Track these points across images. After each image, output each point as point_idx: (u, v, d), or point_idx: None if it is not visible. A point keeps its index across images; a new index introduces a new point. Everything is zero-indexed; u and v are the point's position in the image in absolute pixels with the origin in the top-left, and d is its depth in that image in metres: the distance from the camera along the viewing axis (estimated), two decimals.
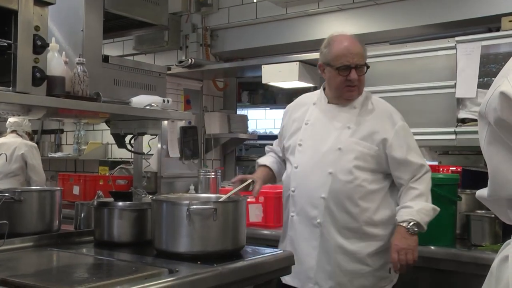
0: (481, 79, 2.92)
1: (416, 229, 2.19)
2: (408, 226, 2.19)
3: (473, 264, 2.40)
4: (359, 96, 2.38)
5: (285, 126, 2.51)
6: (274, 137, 2.96)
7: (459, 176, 2.77)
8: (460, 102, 2.94)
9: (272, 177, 2.53)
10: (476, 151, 3.02)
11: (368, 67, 2.35)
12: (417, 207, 2.21)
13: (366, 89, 3.25)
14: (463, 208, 2.73)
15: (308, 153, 2.35)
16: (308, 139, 2.38)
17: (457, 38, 2.95)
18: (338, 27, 4.00)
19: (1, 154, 3.36)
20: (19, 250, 2.12)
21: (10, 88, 1.87)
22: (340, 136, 2.32)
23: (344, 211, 2.26)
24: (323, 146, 2.33)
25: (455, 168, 3.92)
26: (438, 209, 2.25)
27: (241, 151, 5.83)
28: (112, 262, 2.03)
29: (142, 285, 1.58)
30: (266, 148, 2.66)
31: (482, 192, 1.50)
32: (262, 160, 2.57)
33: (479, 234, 2.58)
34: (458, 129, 2.89)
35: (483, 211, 2.62)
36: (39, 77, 1.93)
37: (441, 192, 2.55)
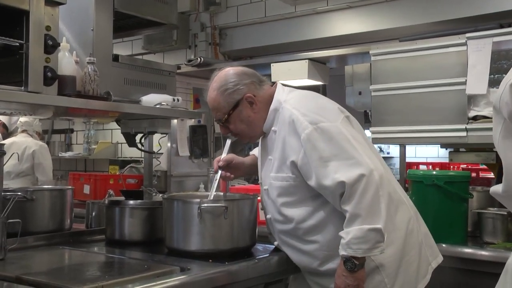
0: (492, 76, 2.90)
1: (354, 265, 1.79)
2: (345, 263, 1.81)
3: (485, 262, 2.39)
4: (264, 134, 2.05)
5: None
6: None
7: (470, 174, 2.76)
8: (471, 99, 2.92)
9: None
10: (487, 148, 3.00)
11: (228, 116, 1.99)
12: (348, 237, 1.78)
13: (374, 87, 3.28)
14: (475, 206, 2.71)
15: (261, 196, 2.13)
16: (259, 178, 2.14)
17: (467, 35, 2.93)
18: (347, 25, 4.01)
19: (13, 153, 3.37)
20: (32, 249, 2.14)
21: (22, 87, 1.89)
22: (266, 173, 2.04)
23: (300, 253, 1.99)
24: (262, 188, 2.09)
25: (465, 165, 3.91)
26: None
27: (250, 150, 5.82)
28: (124, 261, 2.04)
29: (154, 283, 1.59)
30: None
31: (496, 188, 1.49)
32: (252, 151, 2.36)
33: (491, 232, 2.57)
34: (469, 126, 2.87)
35: (495, 208, 2.60)
36: (51, 76, 1.94)
37: (452, 190, 2.54)
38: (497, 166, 3.18)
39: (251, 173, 2.35)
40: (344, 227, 1.82)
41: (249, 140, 2.13)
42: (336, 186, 1.80)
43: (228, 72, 2.03)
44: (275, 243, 2.09)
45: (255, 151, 2.32)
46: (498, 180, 3.19)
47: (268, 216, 2.06)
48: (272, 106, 2.01)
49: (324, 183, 1.82)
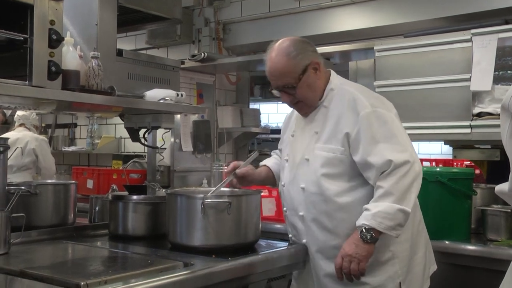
0: (497, 72, 2.89)
1: (370, 236, 1.87)
2: (361, 233, 1.88)
3: (488, 259, 2.38)
4: (321, 103, 2.10)
5: (281, 136, 2.34)
6: None
7: (474, 170, 2.75)
8: (475, 96, 2.91)
9: (271, 177, 2.34)
10: (491, 145, 2.99)
11: (298, 81, 2.03)
12: (376, 209, 1.86)
13: (378, 83, 3.27)
14: (479, 203, 2.71)
15: (289, 169, 2.16)
16: (290, 153, 2.18)
17: (472, 31, 2.92)
18: (351, 20, 4.00)
19: (16, 148, 3.38)
20: (36, 243, 2.14)
21: (26, 82, 1.89)
22: (309, 145, 2.09)
23: (322, 228, 2.03)
24: (297, 160, 2.13)
25: (469, 162, 3.90)
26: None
27: (254, 145, 5.82)
28: (127, 255, 2.05)
29: (157, 278, 1.60)
30: (272, 152, 2.47)
31: (502, 187, 1.49)
32: (264, 161, 2.42)
33: (494, 229, 2.56)
34: (473, 123, 2.86)
35: (499, 205, 2.60)
36: (55, 71, 1.94)
37: (456, 186, 2.53)
38: (485, 164, 3.18)
39: (262, 185, 2.44)
40: (372, 201, 1.90)
41: (306, 110, 2.14)
42: (383, 163, 1.90)
43: (286, 42, 2.08)
44: (300, 213, 2.08)
45: (268, 162, 2.35)
46: (488, 177, 3.18)
47: (302, 186, 2.07)
48: (329, 86, 2.11)
49: (369, 160, 1.93)
